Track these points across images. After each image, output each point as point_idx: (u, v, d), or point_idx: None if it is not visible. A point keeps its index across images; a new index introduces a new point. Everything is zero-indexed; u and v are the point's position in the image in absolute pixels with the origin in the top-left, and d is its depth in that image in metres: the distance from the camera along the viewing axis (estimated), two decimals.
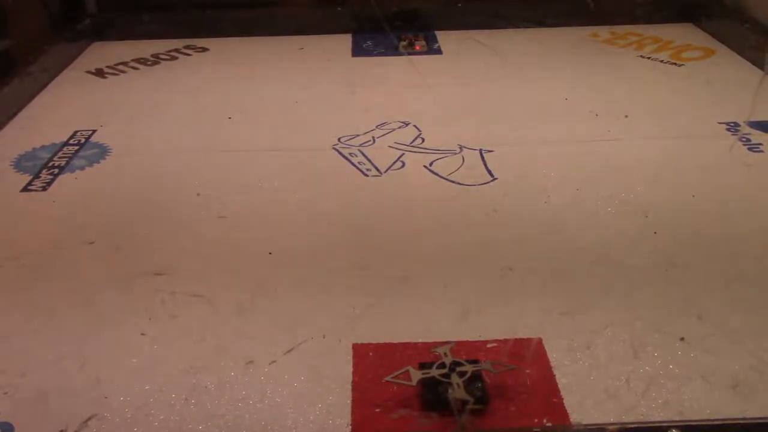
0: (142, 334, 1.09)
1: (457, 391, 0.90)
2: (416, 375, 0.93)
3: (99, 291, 1.20)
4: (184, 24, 2.52)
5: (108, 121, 1.83)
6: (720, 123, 1.73)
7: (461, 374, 0.92)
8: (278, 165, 1.59)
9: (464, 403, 0.88)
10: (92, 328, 1.11)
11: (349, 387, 0.98)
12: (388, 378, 0.93)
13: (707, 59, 2.18)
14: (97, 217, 1.41)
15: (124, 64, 2.24)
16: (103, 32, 2.51)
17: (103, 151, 1.67)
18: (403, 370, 0.94)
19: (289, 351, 1.05)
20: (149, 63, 2.26)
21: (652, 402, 0.95)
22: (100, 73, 2.18)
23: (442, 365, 0.95)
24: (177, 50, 2.35)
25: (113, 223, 1.39)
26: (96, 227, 1.37)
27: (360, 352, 1.05)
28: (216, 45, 2.40)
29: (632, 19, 2.49)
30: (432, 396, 0.90)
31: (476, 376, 0.92)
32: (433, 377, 0.92)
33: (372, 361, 1.03)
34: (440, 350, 0.98)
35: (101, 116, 1.86)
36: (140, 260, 1.27)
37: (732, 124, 1.71)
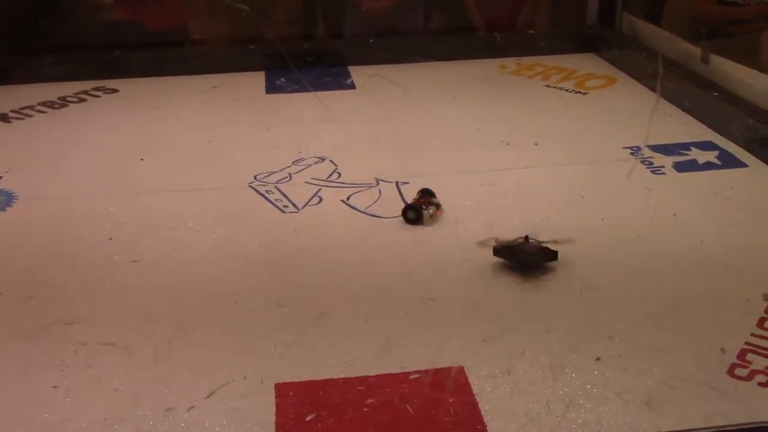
0: (54, 386, 1.05)
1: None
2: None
3: (7, 343, 1.15)
4: (92, 65, 2.47)
5: (14, 167, 1.77)
6: (624, 147, 1.80)
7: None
8: (193, 205, 1.57)
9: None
10: (0, 383, 1.06)
11: (273, 428, 0.97)
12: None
13: (609, 87, 2.27)
14: (5, 266, 1.36)
15: (30, 107, 2.18)
16: (7, 75, 2.44)
17: (8, 198, 1.62)
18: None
19: (209, 395, 1.03)
20: (56, 106, 2.20)
21: (572, 422, 0.97)
22: (4, 117, 2.11)
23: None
24: (85, 92, 2.30)
25: (22, 272, 1.34)
26: (4, 277, 1.32)
27: (282, 391, 1.04)
28: (126, 86, 2.36)
29: (538, 51, 2.58)
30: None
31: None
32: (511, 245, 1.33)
33: (294, 401, 1.02)
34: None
35: (6, 162, 1.79)
36: (51, 310, 1.22)
37: (635, 148, 1.79)
